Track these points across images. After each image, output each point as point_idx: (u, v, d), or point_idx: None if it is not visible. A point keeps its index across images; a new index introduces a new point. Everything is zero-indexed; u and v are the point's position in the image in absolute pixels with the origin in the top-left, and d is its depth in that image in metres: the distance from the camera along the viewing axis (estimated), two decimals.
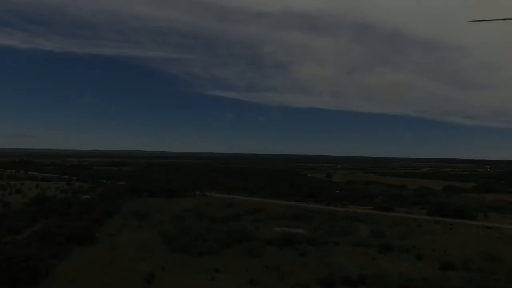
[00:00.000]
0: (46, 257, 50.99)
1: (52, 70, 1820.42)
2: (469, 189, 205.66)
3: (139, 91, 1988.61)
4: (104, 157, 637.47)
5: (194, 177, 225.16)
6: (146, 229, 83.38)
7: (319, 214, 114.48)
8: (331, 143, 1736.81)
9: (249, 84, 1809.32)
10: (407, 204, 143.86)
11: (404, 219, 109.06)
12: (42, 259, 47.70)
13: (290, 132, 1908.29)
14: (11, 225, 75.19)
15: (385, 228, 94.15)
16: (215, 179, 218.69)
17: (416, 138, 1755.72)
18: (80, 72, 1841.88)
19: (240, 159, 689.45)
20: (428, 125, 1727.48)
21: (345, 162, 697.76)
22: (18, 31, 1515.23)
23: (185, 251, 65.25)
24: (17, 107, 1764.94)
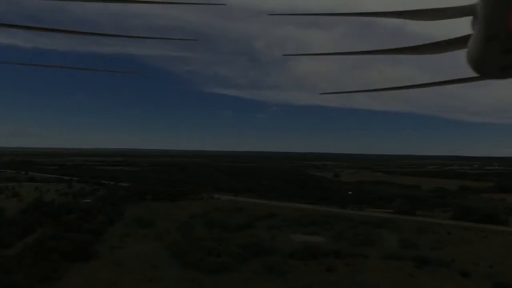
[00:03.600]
0: (36, 281, 43.15)
1: (54, 68, 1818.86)
2: (486, 189, 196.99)
3: (141, 89, 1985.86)
4: (106, 155, 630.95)
5: (199, 178, 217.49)
6: (152, 240, 75.67)
7: (337, 219, 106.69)
8: (333, 141, 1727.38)
9: (251, 81, 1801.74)
10: (426, 206, 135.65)
11: (429, 224, 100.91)
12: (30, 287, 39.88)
13: (292, 129, 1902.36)
14: (2, 237, 67.58)
15: (412, 236, 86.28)
16: (221, 180, 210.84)
17: (419, 135, 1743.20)
18: (83, 70, 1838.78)
19: (243, 157, 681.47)
20: (432, 122, 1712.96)
21: (347, 160, 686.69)
22: (21, 30, 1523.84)
23: (198, 267, 57.51)
24: (19, 106, 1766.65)
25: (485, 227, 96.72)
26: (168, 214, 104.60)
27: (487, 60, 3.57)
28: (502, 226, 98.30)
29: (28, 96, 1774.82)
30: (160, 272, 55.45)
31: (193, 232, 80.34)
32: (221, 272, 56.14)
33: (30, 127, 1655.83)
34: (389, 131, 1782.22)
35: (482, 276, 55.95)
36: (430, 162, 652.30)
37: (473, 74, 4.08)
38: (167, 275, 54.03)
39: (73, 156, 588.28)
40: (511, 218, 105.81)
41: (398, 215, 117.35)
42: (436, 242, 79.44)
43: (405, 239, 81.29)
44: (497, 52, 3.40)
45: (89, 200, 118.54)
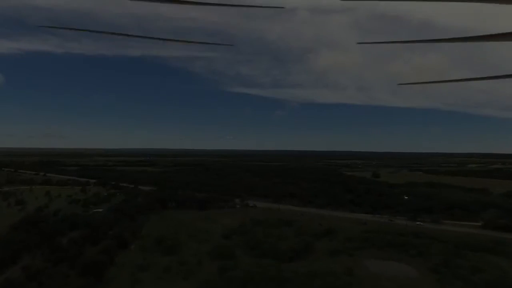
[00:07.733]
0: None
1: (83, 72, 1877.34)
2: None
3: (165, 90, 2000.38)
4: (130, 155, 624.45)
5: (227, 180, 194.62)
6: (178, 277, 52.56)
7: (417, 238, 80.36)
8: (356, 139, 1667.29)
9: (274, 80, 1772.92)
10: None
11: None
12: None
13: (315, 128, 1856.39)
14: None
15: None
16: (253, 182, 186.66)
17: (446, 132, 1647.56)
18: (109, 72, 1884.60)
19: (265, 156, 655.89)
20: (459, 118, 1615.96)
21: (373, 158, 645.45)
22: (53, 37, 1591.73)
23: None
24: (49, 109, 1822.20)
25: None
26: (196, 230, 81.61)
27: None
28: None
29: (60, 99, 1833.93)
30: None
31: (235, 264, 56.50)
32: None
33: (62, 128, 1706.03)
34: (413, 128, 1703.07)
35: None
36: (467, 160, 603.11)
37: None
38: None
39: (97, 156, 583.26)
40: None
41: (494, 231, 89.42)
42: None
43: None
44: None
45: (101, 210, 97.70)
